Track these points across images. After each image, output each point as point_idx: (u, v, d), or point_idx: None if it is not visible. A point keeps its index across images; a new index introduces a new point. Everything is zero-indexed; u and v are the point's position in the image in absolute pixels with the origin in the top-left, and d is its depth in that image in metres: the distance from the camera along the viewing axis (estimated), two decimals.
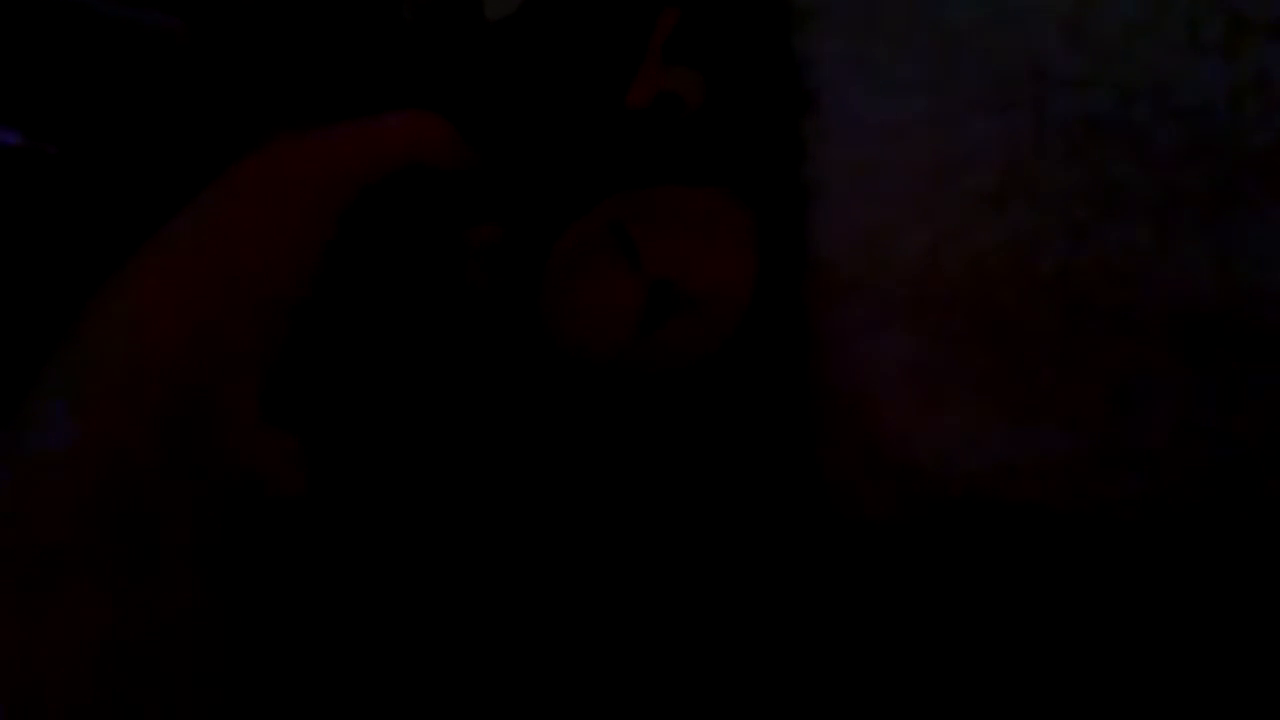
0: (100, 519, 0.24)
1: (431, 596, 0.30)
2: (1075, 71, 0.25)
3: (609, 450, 0.32)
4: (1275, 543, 0.26)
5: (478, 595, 0.31)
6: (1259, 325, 0.25)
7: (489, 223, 0.34)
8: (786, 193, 0.29)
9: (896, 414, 0.28)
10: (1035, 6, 0.26)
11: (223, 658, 0.25)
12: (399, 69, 0.39)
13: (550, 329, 0.32)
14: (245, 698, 0.26)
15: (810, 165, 0.29)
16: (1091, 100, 0.25)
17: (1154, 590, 0.27)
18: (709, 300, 0.30)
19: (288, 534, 0.28)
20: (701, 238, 0.31)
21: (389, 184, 0.31)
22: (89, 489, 0.25)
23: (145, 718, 0.24)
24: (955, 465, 0.27)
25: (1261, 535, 0.26)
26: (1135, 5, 0.25)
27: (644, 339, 0.31)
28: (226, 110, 0.38)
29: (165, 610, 0.25)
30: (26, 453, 0.25)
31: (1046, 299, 0.26)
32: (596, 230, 0.32)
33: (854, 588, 0.29)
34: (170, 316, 0.27)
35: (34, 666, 0.23)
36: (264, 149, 0.30)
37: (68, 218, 0.37)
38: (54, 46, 0.37)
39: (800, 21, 0.30)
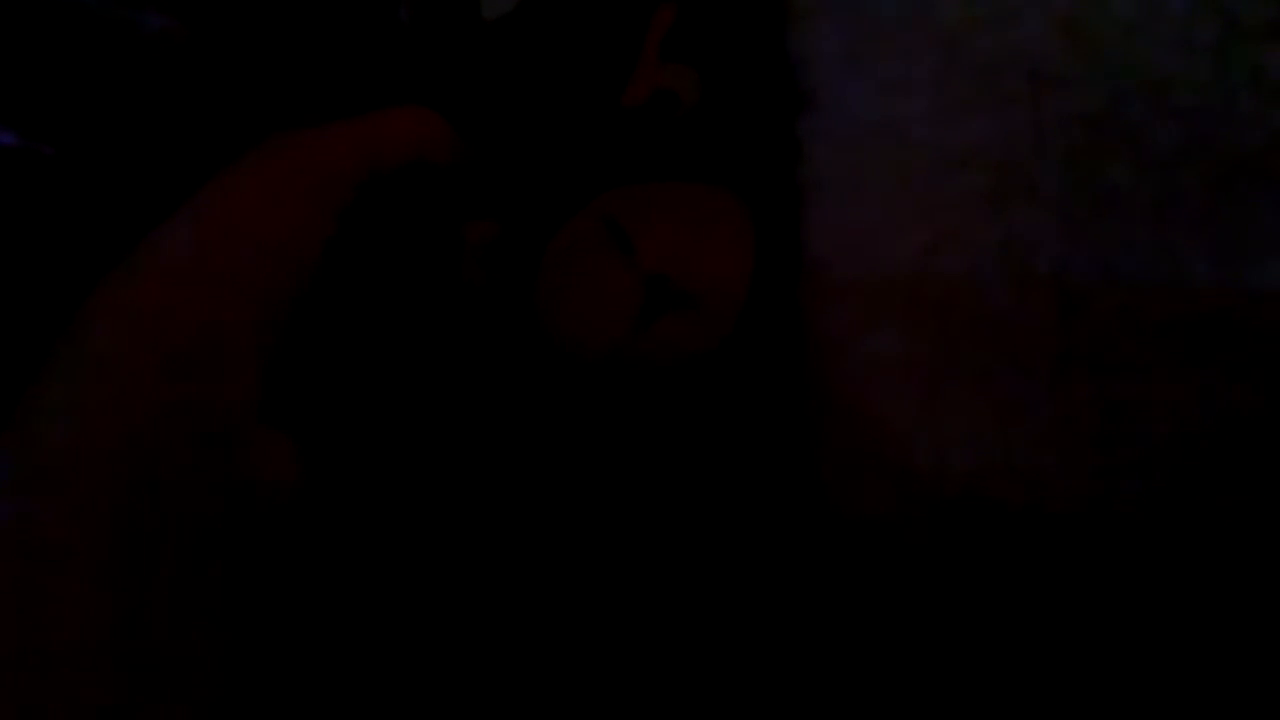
0: (100, 518, 0.24)
1: (428, 594, 0.31)
2: (1071, 71, 0.26)
3: (605, 447, 0.32)
4: (1274, 543, 0.26)
5: (474, 593, 0.31)
6: (1256, 324, 0.25)
7: (486, 219, 0.34)
8: (782, 191, 0.29)
9: (893, 413, 0.28)
10: (1030, 6, 0.26)
11: (224, 658, 0.25)
12: (396, 67, 0.39)
13: (546, 325, 0.32)
14: (246, 697, 0.26)
15: (806, 164, 0.29)
16: (1087, 100, 0.25)
17: (1152, 590, 0.27)
18: (705, 296, 0.30)
19: (287, 531, 0.28)
20: (697, 234, 0.31)
21: (386, 181, 0.31)
22: (88, 488, 0.25)
23: (148, 718, 0.24)
24: (952, 465, 0.27)
25: (1260, 536, 0.26)
26: (1130, 5, 0.25)
27: (640, 335, 0.31)
28: (224, 110, 0.38)
29: (167, 610, 0.25)
30: (26, 452, 0.25)
31: (1043, 298, 0.26)
32: (592, 226, 0.32)
33: (850, 587, 0.29)
34: (168, 315, 0.27)
35: (36, 667, 0.23)
36: (261, 146, 0.30)
37: (65, 219, 0.37)
38: (51, 47, 0.37)
39: (796, 20, 0.30)
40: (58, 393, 0.26)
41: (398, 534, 0.31)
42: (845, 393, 0.29)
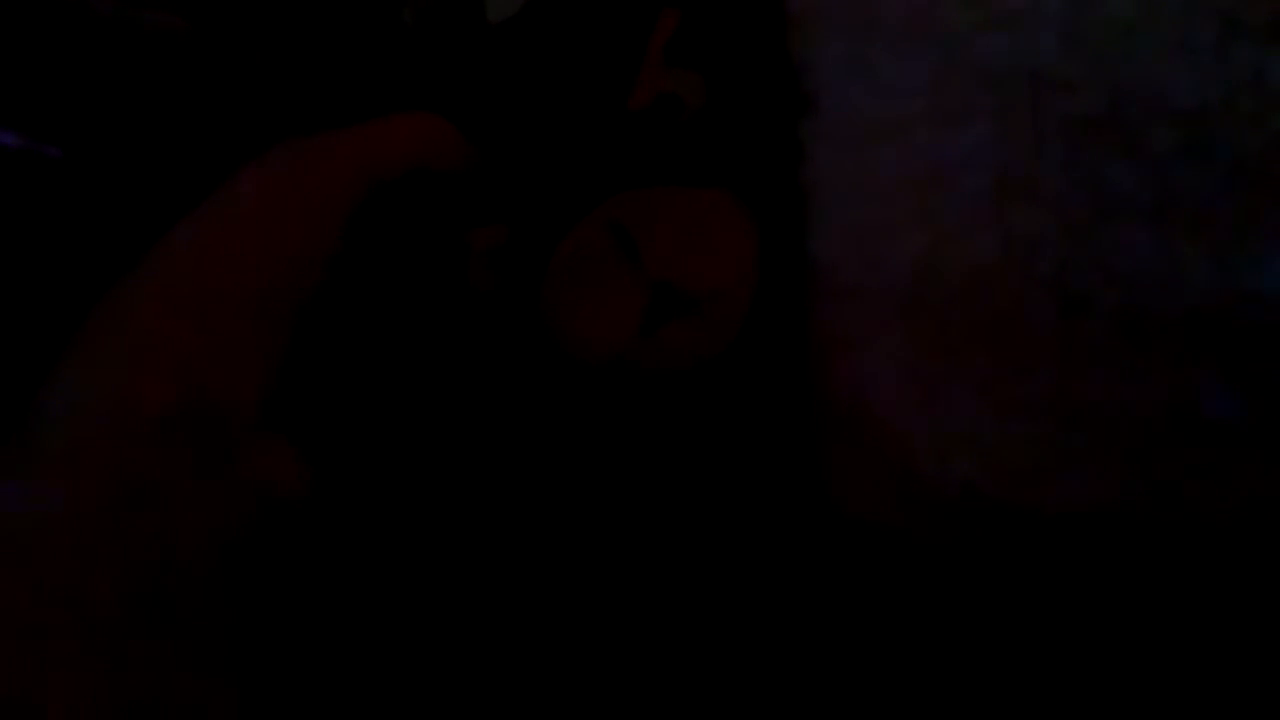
0: (104, 525, 0.25)
1: (434, 597, 0.31)
2: (1071, 73, 0.26)
3: (611, 450, 0.32)
4: (1274, 543, 0.26)
5: (480, 596, 0.31)
6: (1256, 325, 0.25)
7: (492, 224, 0.34)
8: (785, 194, 0.29)
9: (895, 415, 0.28)
10: (1030, 9, 0.26)
11: (229, 659, 0.25)
12: (401, 72, 0.39)
13: (552, 330, 0.32)
14: (251, 697, 0.26)
15: (808, 167, 0.29)
16: (1086, 102, 0.25)
17: (1152, 590, 0.27)
18: (710, 302, 0.31)
19: (292, 536, 0.28)
20: (702, 240, 0.31)
21: (392, 187, 0.31)
22: (94, 492, 0.25)
23: (155, 711, 0.24)
24: (953, 465, 0.27)
25: (1261, 536, 0.26)
26: (1129, 6, 0.25)
27: (646, 340, 0.31)
28: (229, 112, 0.38)
29: (173, 613, 0.25)
30: (31, 460, 0.25)
31: (1044, 300, 0.26)
32: (598, 232, 0.32)
33: (853, 589, 0.29)
34: (175, 324, 0.27)
35: (36, 669, 0.23)
36: (267, 155, 0.30)
37: (71, 221, 0.37)
38: (56, 48, 0.38)
39: (797, 23, 0.30)
40: (64, 397, 0.26)
41: (405, 538, 0.31)
42: (847, 394, 0.29)
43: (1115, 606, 0.27)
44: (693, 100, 0.34)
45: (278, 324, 0.28)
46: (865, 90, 0.28)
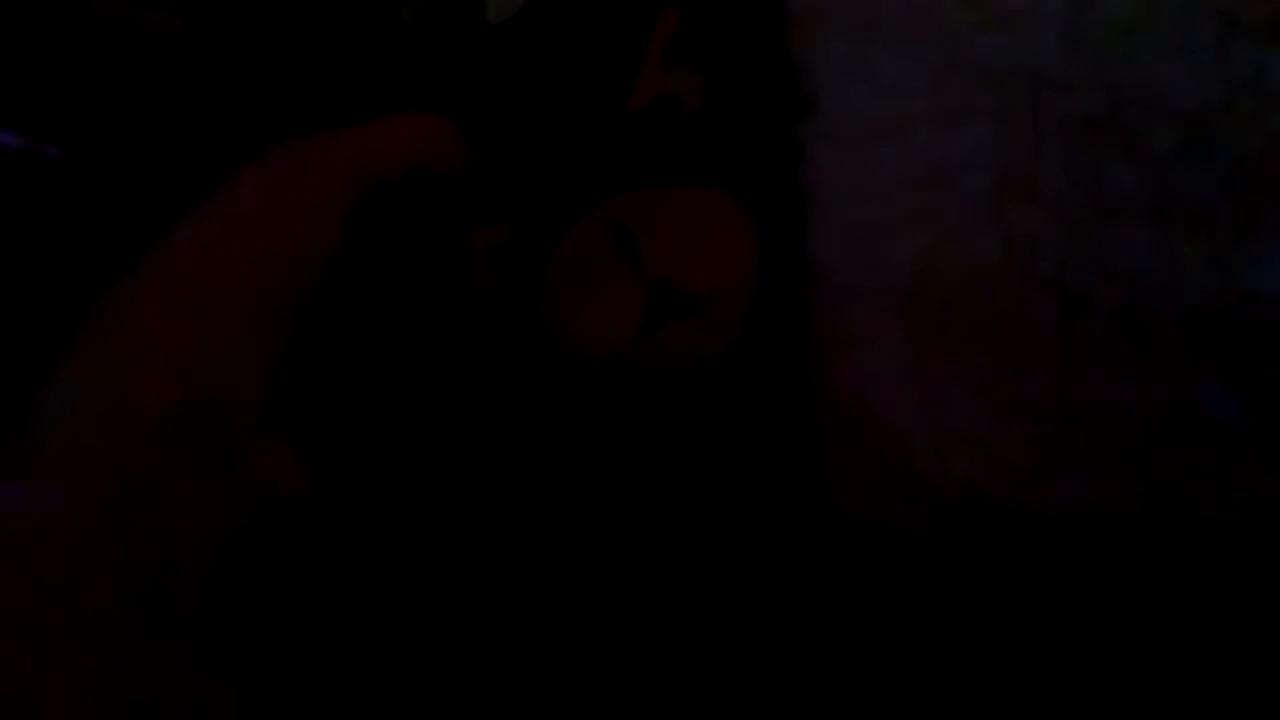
0: (104, 525, 0.25)
1: (434, 597, 0.31)
2: (1071, 73, 0.26)
3: (610, 450, 0.32)
4: (1273, 543, 0.26)
5: (481, 597, 0.31)
6: (1256, 326, 0.25)
7: (492, 224, 0.34)
8: (785, 194, 0.29)
9: (895, 415, 0.28)
10: (1030, 9, 0.26)
11: (229, 659, 0.25)
12: (400, 71, 0.39)
13: (553, 330, 0.32)
14: (251, 697, 0.26)
15: (808, 167, 0.29)
16: (1086, 102, 0.25)
17: (1152, 590, 0.27)
18: (711, 303, 0.31)
19: (292, 537, 0.28)
20: (703, 240, 0.31)
21: (392, 187, 0.31)
22: (93, 491, 0.25)
23: (156, 711, 0.24)
24: (953, 465, 0.27)
25: (1261, 536, 0.26)
26: (1128, 7, 0.25)
27: (646, 340, 0.31)
28: (229, 112, 0.38)
29: (172, 614, 0.25)
30: (31, 460, 0.25)
31: (1044, 300, 0.26)
32: (598, 232, 0.32)
33: (853, 589, 0.29)
34: (174, 324, 0.27)
35: (36, 669, 0.23)
36: (266, 156, 0.30)
37: (71, 221, 0.37)
38: (56, 48, 0.38)
39: (797, 23, 0.30)
40: (63, 397, 0.26)
41: (405, 538, 0.31)
42: (847, 393, 0.29)
43: (1115, 606, 0.27)
44: (693, 100, 0.34)
45: (278, 324, 0.28)
46: (865, 90, 0.28)
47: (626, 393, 0.32)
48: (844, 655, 0.29)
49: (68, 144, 0.37)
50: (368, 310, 0.31)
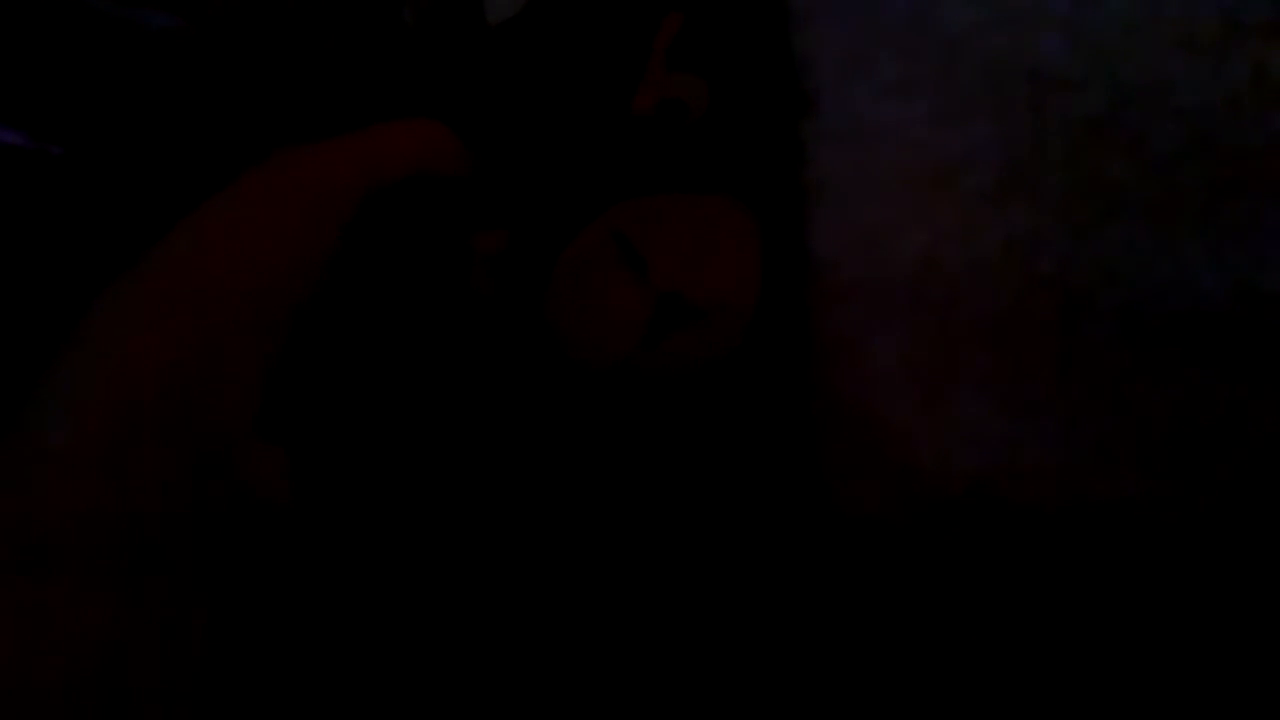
0: (99, 521, 0.24)
1: (436, 599, 0.31)
2: (1072, 73, 0.26)
3: (613, 452, 0.32)
4: (1275, 543, 0.26)
5: (482, 598, 0.31)
6: (1257, 324, 0.25)
7: (494, 229, 0.34)
8: (787, 195, 0.29)
9: (897, 413, 0.28)
10: (1032, 8, 0.26)
11: (220, 659, 0.25)
12: (401, 74, 0.39)
13: (556, 335, 0.32)
14: (241, 699, 0.26)
15: (810, 167, 0.29)
16: (1088, 101, 0.25)
17: (1153, 590, 0.27)
18: (715, 311, 0.31)
19: (284, 539, 0.28)
20: (707, 250, 0.31)
21: (393, 192, 0.31)
22: (89, 491, 0.25)
23: (143, 718, 0.24)
24: (955, 464, 0.27)
25: (1261, 536, 0.26)
26: (1130, 6, 0.25)
27: (650, 349, 0.31)
28: (229, 111, 0.38)
29: (163, 611, 0.25)
30: (28, 455, 0.25)
31: (1046, 298, 0.26)
32: (602, 240, 0.32)
33: (855, 586, 0.29)
34: (172, 325, 0.27)
35: (33, 665, 0.23)
36: (266, 160, 0.30)
37: (72, 219, 0.37)
38: (58, 47, 0.38)
39: (799, 24, 0.30)
40: (60, 396, 0.26)
41: (405, 542, 0.31)
42: (849, 393, 0.29)
43: (1115, 604, 0.27)
44: (696, 106, 0.34)
45: (274, 326, 0.28)
46: (866, 90, 0.28)
47: (629, 396, 0.32)
48: (844, 653, 0.29)
49: (70, 142, 0.37)
50: (368, 313, 0.31)
